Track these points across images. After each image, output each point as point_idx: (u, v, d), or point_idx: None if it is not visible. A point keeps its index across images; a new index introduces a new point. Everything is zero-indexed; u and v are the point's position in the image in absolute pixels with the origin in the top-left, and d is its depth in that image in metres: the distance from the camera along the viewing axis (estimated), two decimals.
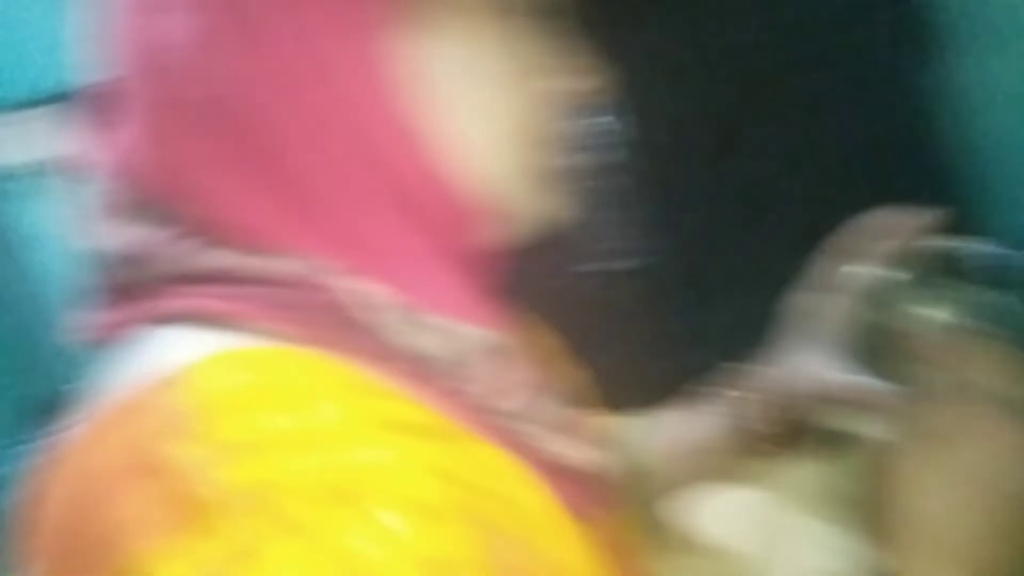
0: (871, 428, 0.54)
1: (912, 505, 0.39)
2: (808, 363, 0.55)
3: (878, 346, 0.48)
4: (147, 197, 0.38)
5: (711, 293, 1.50)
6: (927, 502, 0.39)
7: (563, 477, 0.40)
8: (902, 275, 0.49)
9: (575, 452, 0.41)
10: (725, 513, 0.63)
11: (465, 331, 0.38)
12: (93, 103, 0.42)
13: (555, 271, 1.25)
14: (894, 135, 1.63)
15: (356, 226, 0.37)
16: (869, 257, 0.51)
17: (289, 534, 0.27)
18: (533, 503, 0.37)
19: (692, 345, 1.47)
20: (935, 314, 0.47)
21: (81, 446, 0.33)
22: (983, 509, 0.38)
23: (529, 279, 0.53)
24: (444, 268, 0.38)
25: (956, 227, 0.50)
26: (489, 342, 0.38)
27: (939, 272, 0.48)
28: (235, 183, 0.36)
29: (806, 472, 0.58)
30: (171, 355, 0.34)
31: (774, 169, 1.64)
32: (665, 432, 0.65)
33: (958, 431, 0.39)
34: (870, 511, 0.42)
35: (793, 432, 0.57)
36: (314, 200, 0.36)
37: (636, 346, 1.40)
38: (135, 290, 0.38)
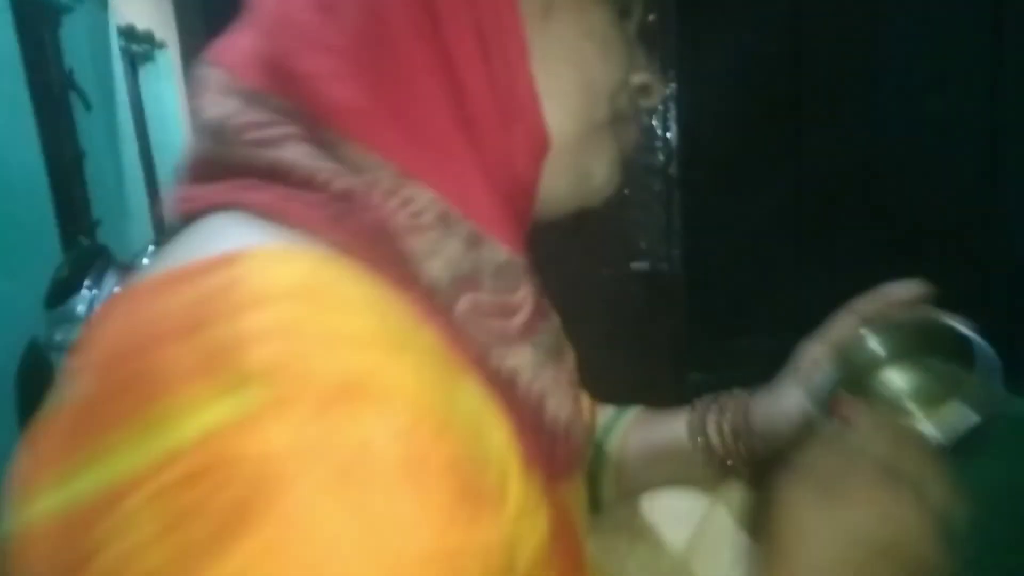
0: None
1: (788, 541, 0.45)
2: (781, 401, 0.60)
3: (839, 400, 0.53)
4: (246, 81, 0.44)
5: (726, 311, 1.53)
6: (802, 541, 0.44)
7: (533, 427, 0.45)
8: (879, 343, 0.53)
9: (554, 399, 0.46)
10: (672, 512, 0.68)
11: (488, 243, 0.43)
12: None
13: (578, 261, 1.30)
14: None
15: (426, 127, 0.42)
16: (869, 321, 0.55)
17: (300, 409, 0.32)
18: (499, 439, 0.41)
19: (692, 357, 1.52)
20: (884, 383, 0.52)
21: (143, 297, 0.37)
22: (847, 558, 0.43)
23: (553, 264, 0.58)
24: (490, 188, 0.44)
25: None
26: (505, 259, 0.44)
27: (912, 343, 0.52)
28: (330, 70, 0.42)
29: (744, 493, 0.63)
30: (234, 238, 0.39)
31: (813, 202, 1.67)
32: (642, 429, 0.70)
33: (845, 487, 0.44)
34: (761, 539, 0.47)
35: (749, 457, 0.62)
36: (395, 96, 0.42)
37: (638, 344, 1.45)
38: (216, 169, 0.43)
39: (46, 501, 0.35)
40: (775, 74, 1.56)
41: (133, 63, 2.70)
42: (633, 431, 0.70)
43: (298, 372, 0.33)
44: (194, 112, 0.46)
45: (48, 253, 2.22)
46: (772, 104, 1.57)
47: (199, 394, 0.32)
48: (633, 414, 0.71)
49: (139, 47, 2.71)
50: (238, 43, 0.46)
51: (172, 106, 2.93)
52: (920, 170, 1.58)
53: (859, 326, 0.55)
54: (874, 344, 0.54)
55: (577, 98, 0.46)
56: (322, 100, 0.42)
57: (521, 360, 0.45)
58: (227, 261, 0.37)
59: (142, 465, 0.32)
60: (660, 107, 1.42)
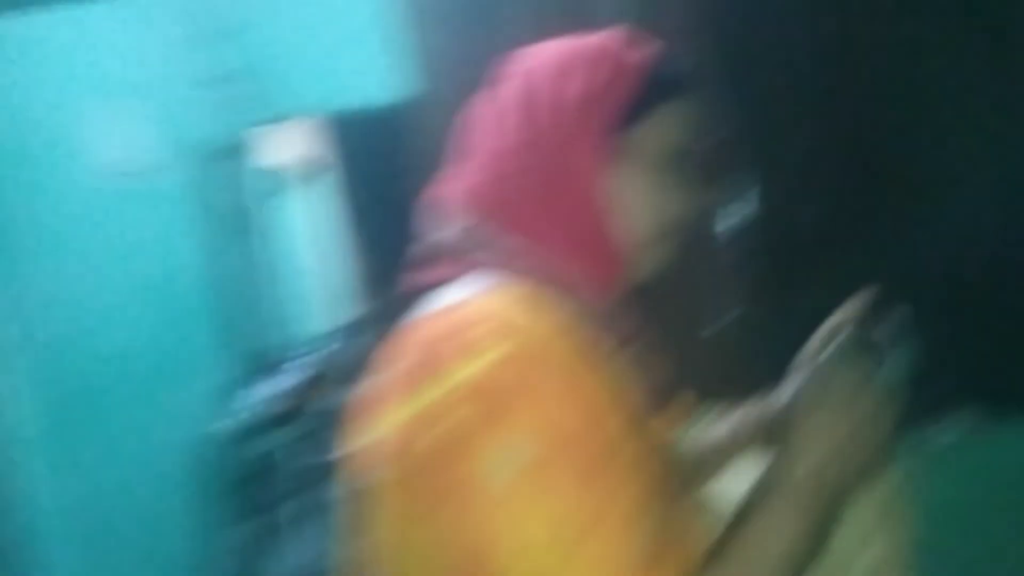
0: None
1: (795, 440, 0.73)
2: (781, 392, 0.91)
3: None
4: (468, 211, 0.78)
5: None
6: (803, 439, 0.73)
7: (628, 403, 0.76)
8: (844, 336, 0.82)
9: (638, 388, 0.79)
10: (729, 486, 0.97)
11: (586, 301, 0.76)
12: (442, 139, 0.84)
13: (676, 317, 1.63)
14: None
15: (554, 241, 0.76)
16: (835, 331, 0.85)
17: (514, 362, 0.66)
18: (611, 407, 0.73)
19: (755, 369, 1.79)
20: (849, 357, 0.79)
21: (425, 325, 0.72)
22: (830, 447, 0.71)
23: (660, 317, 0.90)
24: (598, 277, 0.77)
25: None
26: (595, 310, 0.77)
27: (863, 335, 0.81)
28: (516, 215, 0.76)
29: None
30: (477, 289, 0.73)
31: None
32: (709, 428, 1.01)
33: (827, 409, 0.73)
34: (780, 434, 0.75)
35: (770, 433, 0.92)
36: (550, 233, 0.76)
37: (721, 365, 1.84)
38: (448, 259, 0.78)
39: (396, 415, 0.69)
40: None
41: (278, 194, 3.09)
42: (706, 429, 1.01)
43: (511, 345, 0.67)
44: (426, 227, 0.82)
45: (209, 359, 2.60)
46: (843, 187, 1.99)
47: (469, 358, 0.67)
48: (707, 417, 1.03)
49: (281, 180, 3.13)
50: (458, 185, 0.82)
51: (305, 231, 3.37)
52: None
53: (828, 336, 0.85)
54: (835, 347, 0.80)
55: (640, 216, 0.79)
56: (508, 229, 0.77)
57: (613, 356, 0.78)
58: (470, 300, 0.74)
59: (446, 390, 0.66)
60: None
